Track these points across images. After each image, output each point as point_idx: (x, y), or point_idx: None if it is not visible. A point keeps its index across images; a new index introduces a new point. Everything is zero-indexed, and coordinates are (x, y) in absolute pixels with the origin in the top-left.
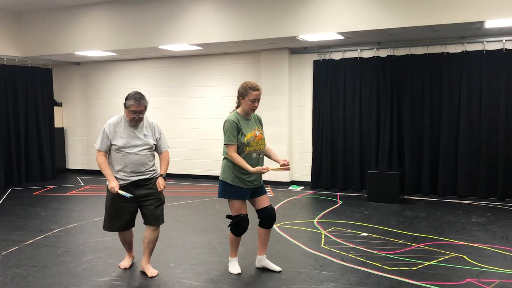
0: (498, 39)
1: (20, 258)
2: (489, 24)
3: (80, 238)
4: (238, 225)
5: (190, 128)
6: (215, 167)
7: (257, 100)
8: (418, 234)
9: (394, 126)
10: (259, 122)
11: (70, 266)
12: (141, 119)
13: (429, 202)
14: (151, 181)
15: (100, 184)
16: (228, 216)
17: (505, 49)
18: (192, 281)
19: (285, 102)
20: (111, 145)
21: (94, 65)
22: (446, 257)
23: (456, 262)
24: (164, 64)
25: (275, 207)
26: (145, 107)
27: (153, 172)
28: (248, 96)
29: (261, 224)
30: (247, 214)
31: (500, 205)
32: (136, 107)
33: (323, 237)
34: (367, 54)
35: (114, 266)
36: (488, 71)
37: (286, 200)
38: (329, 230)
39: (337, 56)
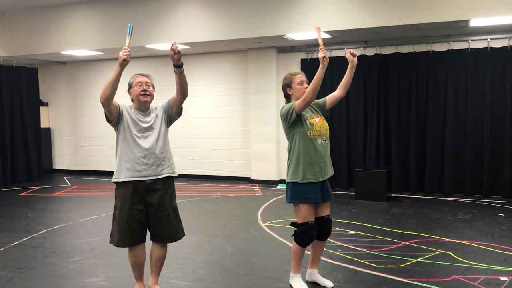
0: (483, 37)
1: (5, 260)
2: (474, 22)
3: (67, 239)
4: (306, 234)
5: (177, 127)
6: (203, 166)
7: (304, 81)
8: (405, 232)
9: (381, 125)
10: (316, 108)
11: (56, 267)
12: (150, 94)
13: (416, 199)
14: (165, 185)
15: (87, 184)
16: (293, 224)
17: (490, 47)
18: (180, 280)
19: (272, 101)
20: (121, 116)
21: (81, 64)
22: (433, 254)
23: (442, 259)
24: (151, 64)
25: (263, 206)
26: (152, 85)
27: (167, 169)
28: (294, 82)
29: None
30: (314, 222)
31: (485, 202)
32: (141, 77)
33: None
34: None
35: (101, 267)
36: (473, 69)
37: (274, 199)
38: None
39: None
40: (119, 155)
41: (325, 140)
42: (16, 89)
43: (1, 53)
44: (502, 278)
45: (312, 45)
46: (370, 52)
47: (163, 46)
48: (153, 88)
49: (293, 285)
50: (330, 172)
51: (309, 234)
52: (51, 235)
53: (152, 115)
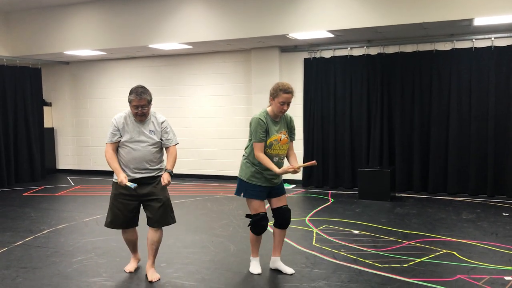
0: (487, 36)
1: (9, 260)
2: (478, 21)
3: (71, 238)
4: (257, 225)
5: (181, 127)
6: (206, 166)
7: (286, 103)
8: (409, 231)
9: (385, 124)
10: (288, 125)
11: (60, 267)
12: (145, 114)
13: (419, 199)
14: (157, 179)
15: (91, 184)
16: (248, 216)
17: (494, 46)
18: (183, 280)
19: None
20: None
21: (84, 64)
22: (437, 253)
23: (446, 259)
24: (154, 63)
25: (266, 206)
26: (148, 102)
27: (159, 170)
28: (278, 98)
29: (275, 224)
30: (266, 213)
31: (489, 201)
32: (137, 101)
33: (314, 235)
34: (357, 52)
35: (104, 266)
36: (477, 68)
37: None
38: (321, 228)
39: (327, 54)
40: (118, 159)
41: (282, 159)
42: (19, 89)
43: (5, 54)
44: (506, 278)
45: (315, 44)
46: (373, 51)
47: (166, 46)
48: (150, 102)
49: (250, 267)
50: (277, 183)
51: (260, 224)
52: (55, 234)
53: (151, 127)
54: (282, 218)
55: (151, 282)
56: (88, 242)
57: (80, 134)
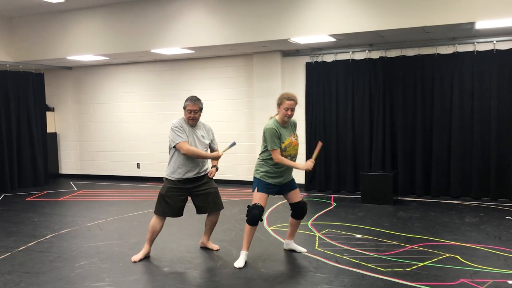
0: (489, 40)
1: (12, 264)
2: (480, 25)
3: (73, 243)
4: (250, 212)
5: None
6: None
7: (290, 109)
8: (411, 235)
9: (387, 128)
10: (294, 128)
11: (63, 271)
12: (196, 119)
13: (422, 203)
14: (205, 175)
15: (93, 189)
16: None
17: (496, 49)
18: (186, 285)
19: None
20: None
21: (86, 69)
22: (440, 257)
23: (449, 263)
24: (157, 68)
25: (269, 210)
26: (200, 108)
27: (207, 168)
28: (282, 105)
29: (293, 216)
30: (261, 205)
31: (493, 205)
32: (191, 106)
33: (317, 239)
34: (359, 56)
35: (107, 271)
36: (479, 71)
37: (280, 203)
38: (323, 232)
39: (329, 58)
40: (172, 162)
41: (293, 159)
42: (22, 94)
43: (8, 59)
44: (510, 282)
45: (317, 48)
46: (375, 55)
47: (169, 50)
48: (201, 109)
49: (236, 261)
50: (290, 178)
51: (252, 212)
52: (58, 239)
53: (202, 132)
54: (301, 211)
55: (217, 250)
56: (91, 247)
57: (83, 139)
